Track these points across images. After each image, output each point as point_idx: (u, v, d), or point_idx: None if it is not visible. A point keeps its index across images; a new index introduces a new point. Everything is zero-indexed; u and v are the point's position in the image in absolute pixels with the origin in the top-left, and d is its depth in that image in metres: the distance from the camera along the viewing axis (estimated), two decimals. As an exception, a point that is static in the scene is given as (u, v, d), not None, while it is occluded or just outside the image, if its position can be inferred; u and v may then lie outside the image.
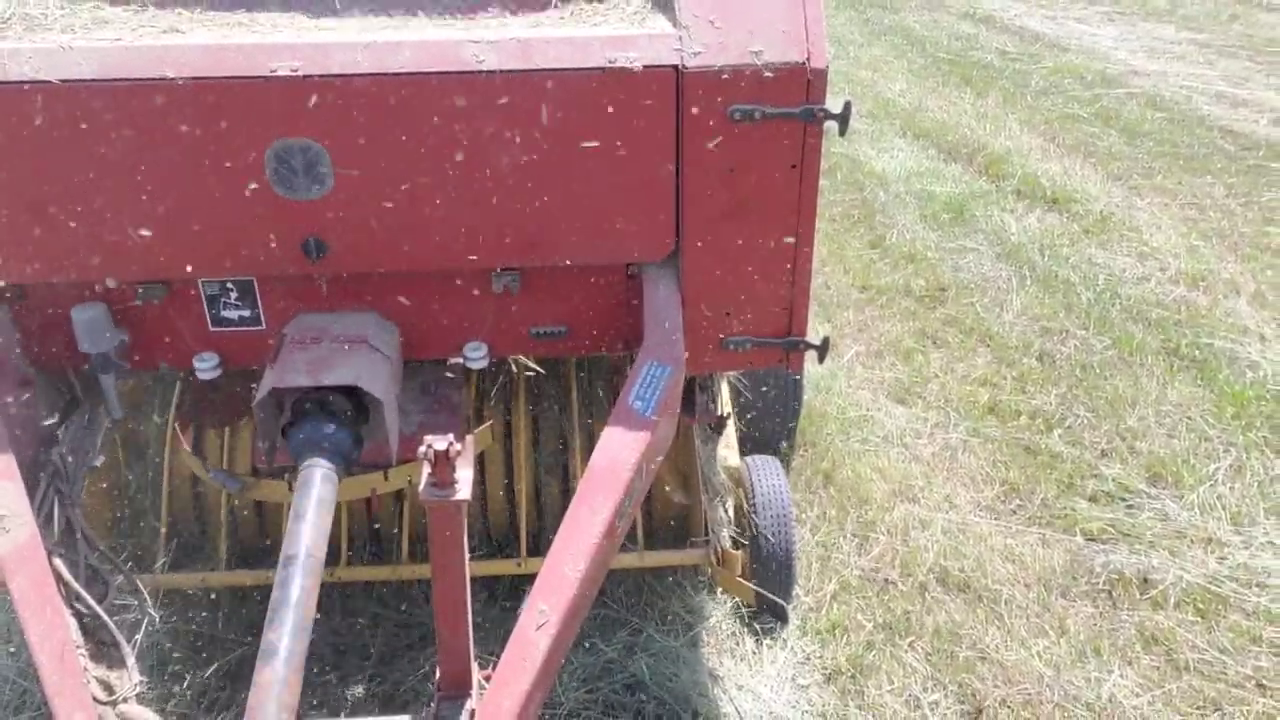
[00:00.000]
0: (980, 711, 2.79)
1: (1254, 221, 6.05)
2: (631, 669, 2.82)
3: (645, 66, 1.98)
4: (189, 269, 2.12)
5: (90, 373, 2.26)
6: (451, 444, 1.68)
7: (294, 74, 1.93)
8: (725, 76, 1.99)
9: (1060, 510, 3.58)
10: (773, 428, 3.58)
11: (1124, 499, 3.64)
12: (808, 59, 2.01)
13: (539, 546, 2.88)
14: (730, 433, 3.20)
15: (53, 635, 1.75)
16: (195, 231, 2.06)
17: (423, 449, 1.70)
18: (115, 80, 1.92)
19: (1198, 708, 2.81)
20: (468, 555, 1.84)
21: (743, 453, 3.21)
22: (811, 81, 2.01)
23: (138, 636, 2.05)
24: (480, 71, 1.96)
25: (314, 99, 1.95)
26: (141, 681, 1.91)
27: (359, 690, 2.76)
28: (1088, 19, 11.54)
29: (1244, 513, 3.56)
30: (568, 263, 2.19)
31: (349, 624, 2.96)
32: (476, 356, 2.32)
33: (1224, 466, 3.78)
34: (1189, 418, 4.09)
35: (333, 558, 2.80)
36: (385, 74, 1.95)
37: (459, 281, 2.25)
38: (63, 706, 1.68)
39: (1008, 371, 4.44)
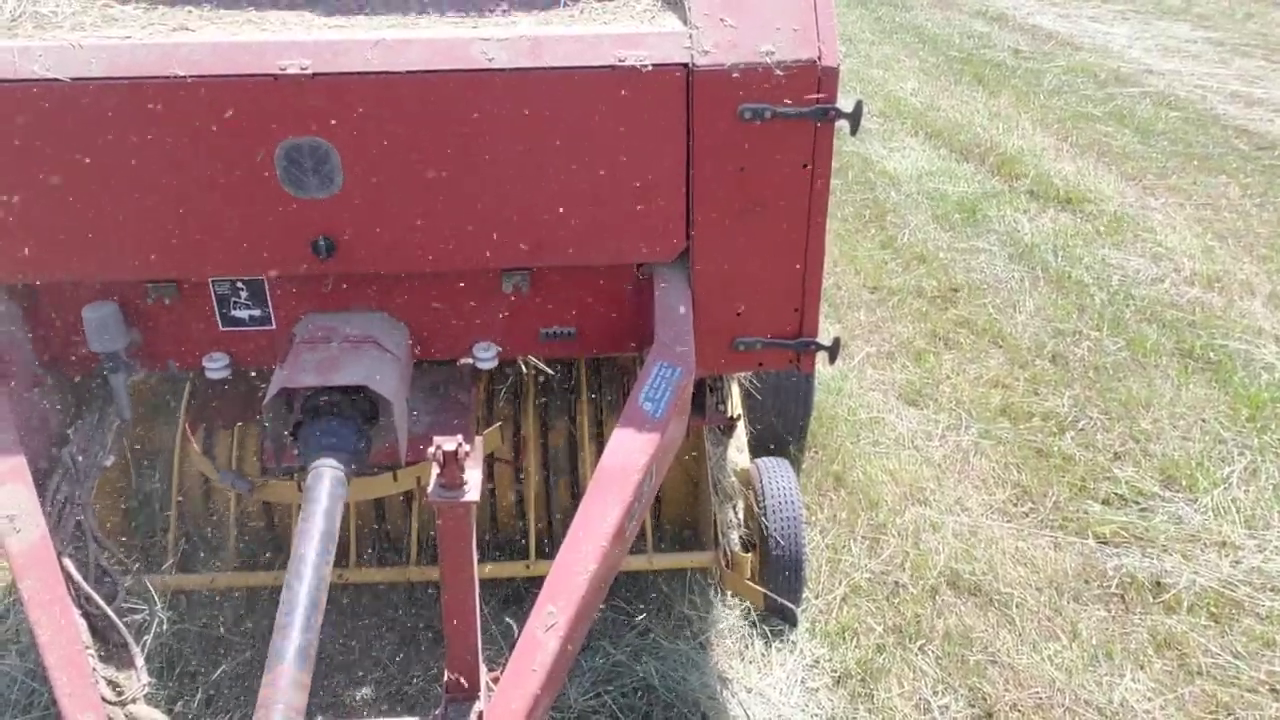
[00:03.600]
0: (991, 716, 2.77)
1: (1269, 222, 6.00)
2: (640, 672, 2.81)
3: (655, 65, 1.97)
4: (198, 268, 2.12)
5: (101, 372, 2.26)
6: (460, 445, 1.68)
7: (303, 72, 1.92)
8: (736, 75, 1.98)
9: (1073, 513, 3.56)
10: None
11: (1137, 502, 3.62)
12: (819, 57, 1.99)
13: (548, 548, 2.87)
14: (740, 434, 3.18)
15: (62, 636, 1.76)
16: (205, 231, 2.05)
17: (432, 450, 1.69)
18: (125, 78, 1.91)
19: (1211, 713, 2.79)
20: (476, 557, 1.84)
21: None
22: (823, 80, 2.00)
23: (147, 637, 2.05)
24: (490, 70, 1.95)
25: (323, 97, 1.94)
26: (150, 682, 1.91)
27: (367, 692, 2.76)
28: (1101, 17, 11.48)
29: (1258, 516, 3.53)
30: (578, 263, 2.18)
31: (358, 625, 2.95)
32: (486, 357, 2.31)
33: (1238, 469, 3.75)
34: (1203, 420, 4.06)
35: (342, 559, 2.79)
36: (395, 72, 1.94)
37: (468, 281, 2.24)
38: (72, 707, 1.68)
39: (1020, 373, 4.42)
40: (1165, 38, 10.49)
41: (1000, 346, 4.64)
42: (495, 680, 1.75)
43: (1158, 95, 8.44)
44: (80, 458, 2.21)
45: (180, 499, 2.84)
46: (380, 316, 2.25)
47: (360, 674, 2.81)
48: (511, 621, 2.86)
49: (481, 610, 1.93)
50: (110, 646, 1.93)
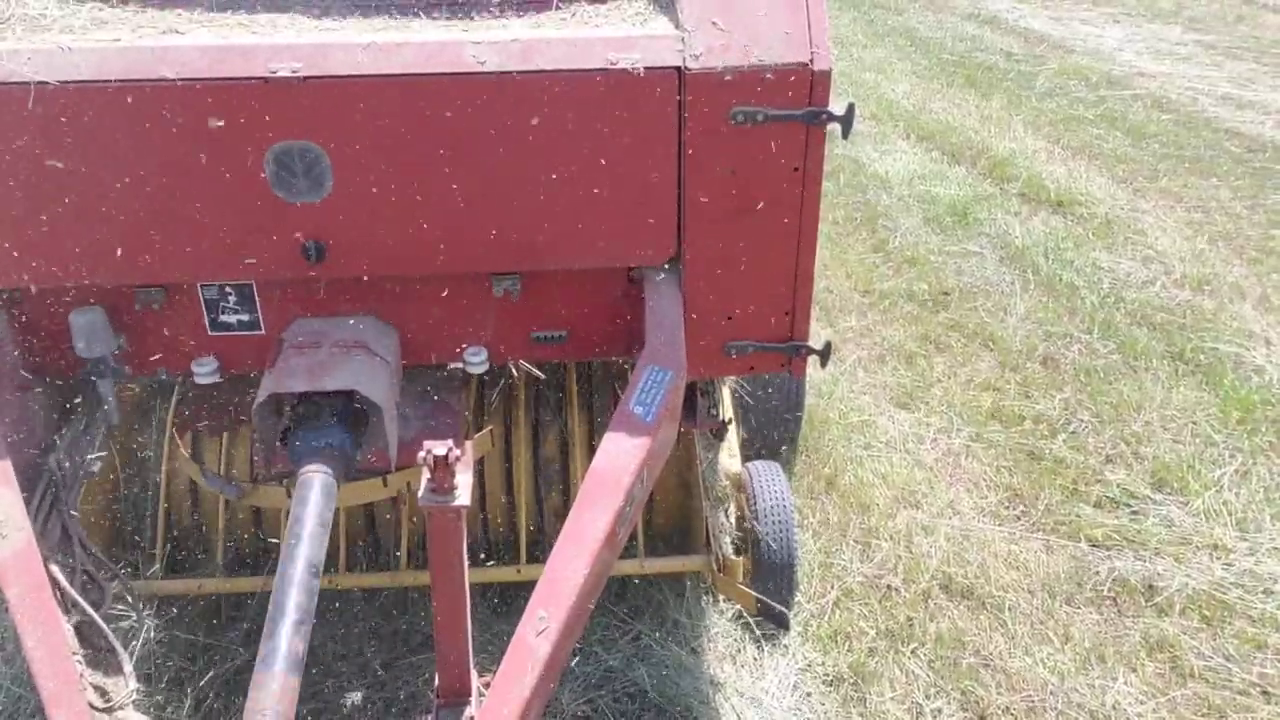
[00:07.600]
0: (983, 719, 2.77)
1: (1260, 224, 6.03)
2: (632, 677, 2.81)
3: (647, 68, 1.96)
4: (187, 273, 2.11)
5: (88, 378, 2.24)
6: (451, 449, 1.67)
7: (294, 75, 1.92)
8: (728, 78, 1.97)
9: (1064, 516, 3.56)
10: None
11: (1129, 505, 3.62)
12: (811, 61, 1.99)
13: (539, 553, 2.86)
14: (732, 438, 3.18)
15: (49, 642, 1.75)
16: (194, 235, 2.04)
17: (422, 454, 1.68)
18: (114, 81, 1.90)
19: (1203, 715, 2.79)
20: (467, 561, 1.83)
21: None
22: (814, 83, 2.00)
23: (135, 643, 2.04)
24: (481, 73, 1.95)
25: (313, 100, 1.93)
26: (138, 688, 1.89)
27: (357, 697, 2.75)
28: (1093, 20, 11.51)
29: (1250, 518, 3.54)
30: (568, 266, 2.17)
31: (347, 631, 2.94)
32: (476, 361, 2.31)
33: (1229, 472, 3.76)
34: (1194, 423, 4.07)
35: (331, 564, 2.78)
36: (386, 75, 1.93)
37: (459, 286, 2.24)
38: (59, 714, 1.67)
39: (1011, 376, 4.42)
40: (1156, 41, 10.53)
41: (991, 349, 4.65)
42: (486, 685, 1.75)
43: (1149, 98, 8.47)
44: (67, 463, 2.20)
45: (167, 504, 2.83)
46: (370, 321, 2.25)
47: (350, 679, 2.80)
48: (503, 626, 2.86)
49: (472, 615, 1.93)
50: (98, 653, 1.91)
